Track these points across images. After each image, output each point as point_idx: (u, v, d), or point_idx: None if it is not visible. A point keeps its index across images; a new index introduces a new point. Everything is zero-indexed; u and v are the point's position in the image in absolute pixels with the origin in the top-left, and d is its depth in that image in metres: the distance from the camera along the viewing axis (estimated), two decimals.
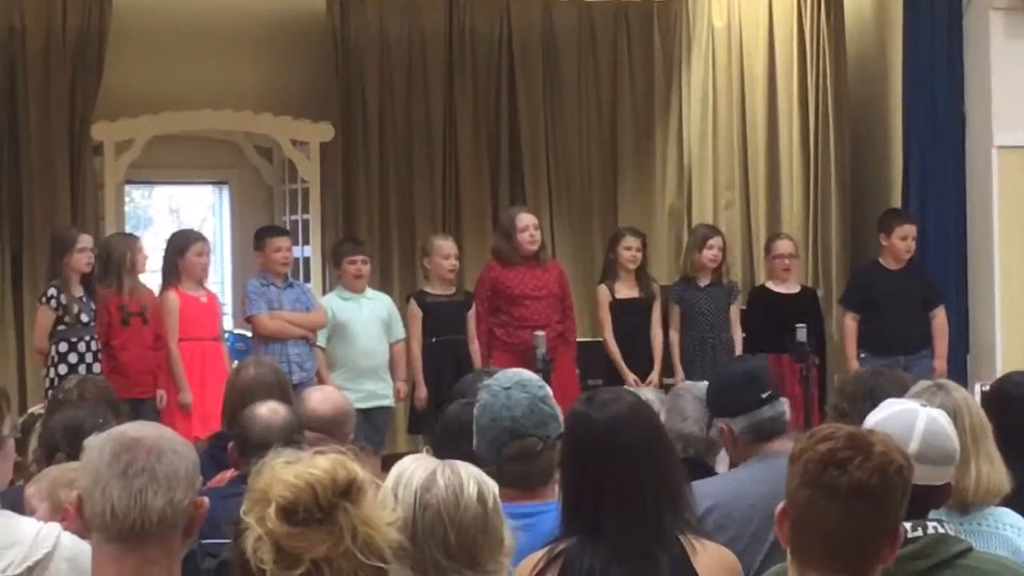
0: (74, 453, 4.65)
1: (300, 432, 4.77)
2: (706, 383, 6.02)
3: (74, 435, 4.98)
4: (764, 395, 4.45)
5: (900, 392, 3.98)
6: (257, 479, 2.55)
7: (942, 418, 3.30)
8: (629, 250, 9.75)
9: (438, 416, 4.62)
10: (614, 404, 3.68)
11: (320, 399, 5.35)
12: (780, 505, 2.72)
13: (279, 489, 2.49)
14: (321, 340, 9.27)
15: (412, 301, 9.55)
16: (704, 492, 4.24)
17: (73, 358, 8.74)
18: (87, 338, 8.81)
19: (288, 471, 2.52)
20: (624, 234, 9.92)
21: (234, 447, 4.87)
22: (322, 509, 2.49)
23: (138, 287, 9.06)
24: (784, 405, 4.51)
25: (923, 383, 4.06)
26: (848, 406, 4.41)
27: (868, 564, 2.67)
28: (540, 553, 3.56)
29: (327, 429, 5.10)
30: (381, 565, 2.53)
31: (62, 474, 4.12)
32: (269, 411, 4.81)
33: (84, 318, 8.82)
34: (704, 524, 4.09)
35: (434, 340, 9.41)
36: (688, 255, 10.08)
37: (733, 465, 4.64)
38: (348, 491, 2.51)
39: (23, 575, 3.23)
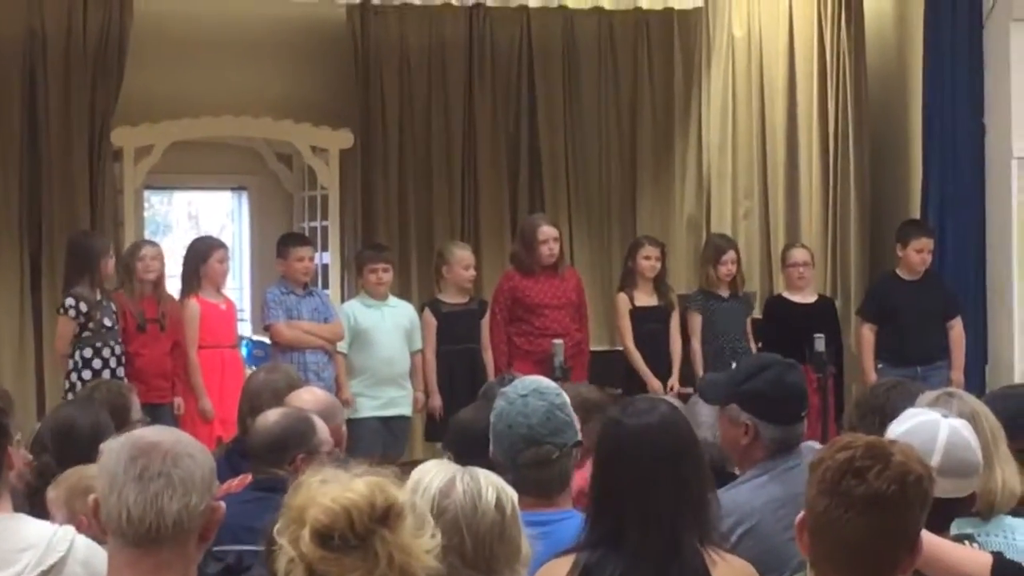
0: (64, 455, 4.65)
1: (311, 443, 4.71)
2: None
3: (64, 436, 4.97)
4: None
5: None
6: (293, 497, 2.49)
7: (965, 430, 3.27)
8: (648, 259, 9.72)
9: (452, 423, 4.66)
10: (647, 414, 3.68)
11: (308, 400, 5.30)
12: (800, 514, 2.72)
13: (315, 512, 2.43)
14: (343, 347, 9.26)
15: (427, 310, 9.54)
16: (735, 502, 4.16)
17: (97, 363, 8.68)
18: (111, 342, 8.77)
19: (325, 493, 2.45)
20: (643, 243, 9.89)
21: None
22: (358, 535, 2.43)
23: (156, 294, 9.03)
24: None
25: (932, 392, 4.04)
26: (857, 420, 4.38)
27: (886, 574, 2.66)
28: (563, 562, 3.54)
29: None
30: None
31: (78, 481, 4.11)
32: (278, 417, 4.80)
33: (107, 323, 8.76)
34: (734, 535, 4.06)
35: (445, 349, 9.40)
36: (703, 269, 10.01)
37: (737, 460, 4.52)
38: (386, 517, 2.45)
39: None
